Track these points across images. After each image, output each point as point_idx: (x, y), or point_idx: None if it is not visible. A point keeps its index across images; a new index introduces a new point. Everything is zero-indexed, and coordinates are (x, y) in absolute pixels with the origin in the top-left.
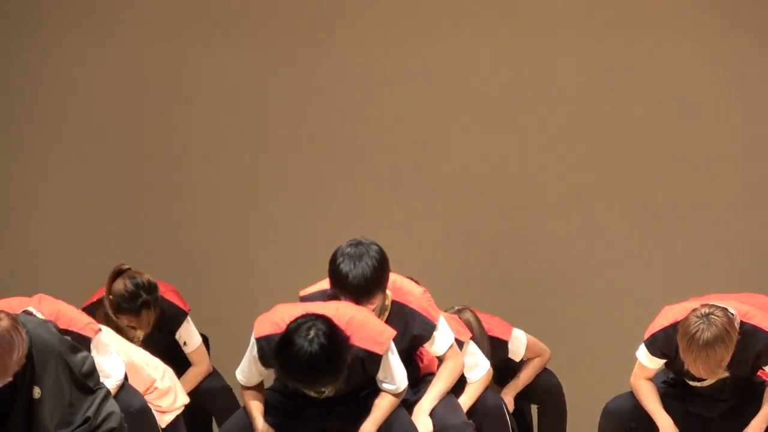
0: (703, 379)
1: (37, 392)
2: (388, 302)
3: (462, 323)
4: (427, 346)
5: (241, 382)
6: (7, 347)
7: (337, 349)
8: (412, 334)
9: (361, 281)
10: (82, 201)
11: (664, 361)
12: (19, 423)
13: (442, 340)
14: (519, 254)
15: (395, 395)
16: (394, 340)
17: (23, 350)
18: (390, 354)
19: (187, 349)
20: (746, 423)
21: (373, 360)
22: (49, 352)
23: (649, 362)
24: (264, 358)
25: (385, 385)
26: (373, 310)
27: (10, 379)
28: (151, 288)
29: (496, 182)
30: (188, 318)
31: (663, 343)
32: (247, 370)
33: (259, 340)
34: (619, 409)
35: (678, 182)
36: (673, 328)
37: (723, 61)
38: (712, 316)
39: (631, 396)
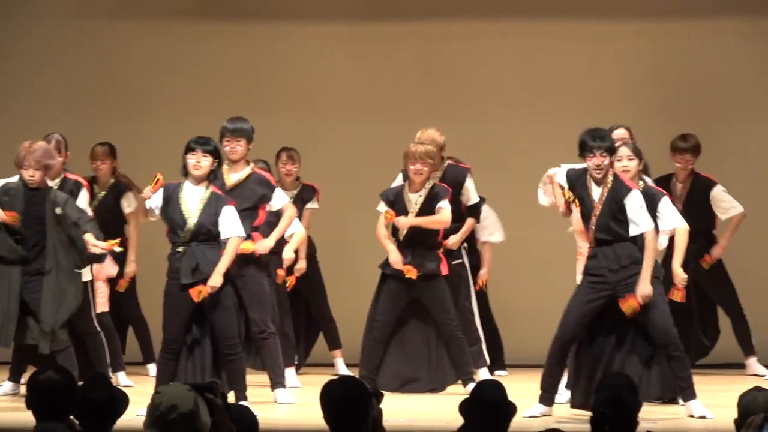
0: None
1: (59, 210)
2: (250, 168)
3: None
4: (271, 204)
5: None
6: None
7: None
8: (261, 192)
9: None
10: None
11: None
12: (51, 223)
13: (278, 199)
14: None
15: (238, 236)
16: (251, 192)
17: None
18: (231, 208)
19: (128, 210)
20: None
21: (221, 201)
22: (64, 195)
23: (382, 208)
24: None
25: (229, 230)
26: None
27: (52, 182)
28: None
29: None
30: (133, 191)
31: (390, 191)
32: None
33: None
34: None
35: None
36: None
37: None
38: None
39: None
